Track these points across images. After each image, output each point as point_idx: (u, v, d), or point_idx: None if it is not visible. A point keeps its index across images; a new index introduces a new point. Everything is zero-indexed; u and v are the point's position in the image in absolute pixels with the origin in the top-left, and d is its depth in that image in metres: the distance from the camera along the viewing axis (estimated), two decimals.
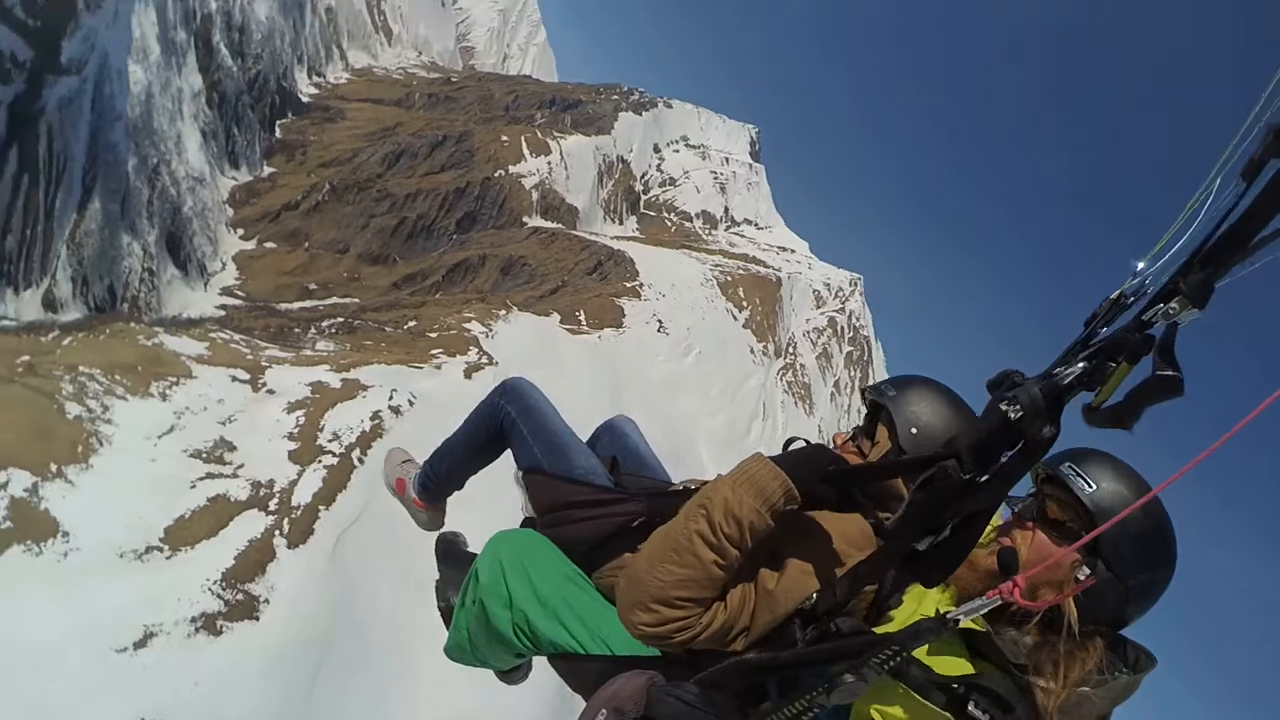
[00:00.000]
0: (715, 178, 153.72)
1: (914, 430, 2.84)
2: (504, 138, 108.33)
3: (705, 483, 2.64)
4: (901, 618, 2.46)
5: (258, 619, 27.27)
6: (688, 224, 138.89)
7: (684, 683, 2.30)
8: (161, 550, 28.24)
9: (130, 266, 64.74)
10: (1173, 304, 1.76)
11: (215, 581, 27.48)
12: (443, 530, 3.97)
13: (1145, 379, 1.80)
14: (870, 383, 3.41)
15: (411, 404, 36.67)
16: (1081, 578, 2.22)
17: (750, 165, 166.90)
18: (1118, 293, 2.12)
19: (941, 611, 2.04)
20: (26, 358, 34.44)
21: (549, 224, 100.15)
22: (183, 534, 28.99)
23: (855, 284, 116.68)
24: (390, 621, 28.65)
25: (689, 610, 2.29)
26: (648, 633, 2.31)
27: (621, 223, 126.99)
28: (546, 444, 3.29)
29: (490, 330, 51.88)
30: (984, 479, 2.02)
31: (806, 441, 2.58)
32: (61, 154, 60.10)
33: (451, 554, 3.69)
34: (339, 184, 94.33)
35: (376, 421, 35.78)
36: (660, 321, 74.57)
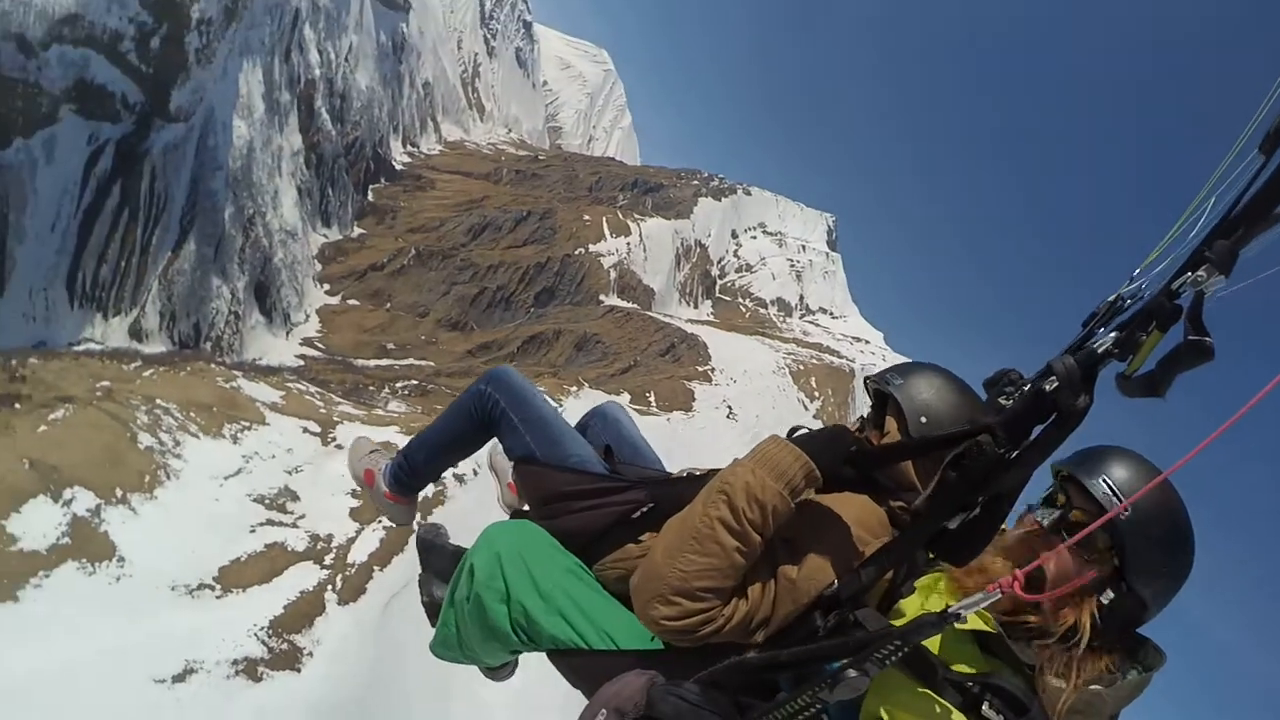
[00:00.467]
0: (791, 265, 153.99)
1: (924, 419, 2.75)
2: (586, 217, 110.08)
3: (710, 470, 2.61)
4: (911, 612, 2.43)
5: (299, 670, 27.18)
6: (762, 310, 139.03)
7: (685, 682, 2.16)
8: (213, 589, 28.56)
9: (217, 308, 66.94)
10: (1200, 272, 1.79)
11: (262, 628, 27.54)
12: (425, 523, 3.70)
13: (1177, 345, 1.82)
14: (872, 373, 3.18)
15: (476, 473, 36.38)
16: (1105, 601, 2.20)
17: (827, 254, 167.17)
18: (1115, 295, 2.25)
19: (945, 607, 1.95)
20: (107, 383, 35.57)
21: (625, 304, 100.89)
22: (236, 576, 29.31)
23: None
24: (430, 691, 28.16)
25: (711, 602, 2.22)
26: (670, 627, 2.23)
27: (697, 306, 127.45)
28: (539, 432, 3.12)
29: (560, 405, 51.80)
30: (1017, 454, 2.02)
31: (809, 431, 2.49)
32: (162, 195, 62.91)
33: (435, 548, 3.43)
34: (424, 250, 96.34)
35: (440, 487, 35.84)
36: (730, 407, 73.95)
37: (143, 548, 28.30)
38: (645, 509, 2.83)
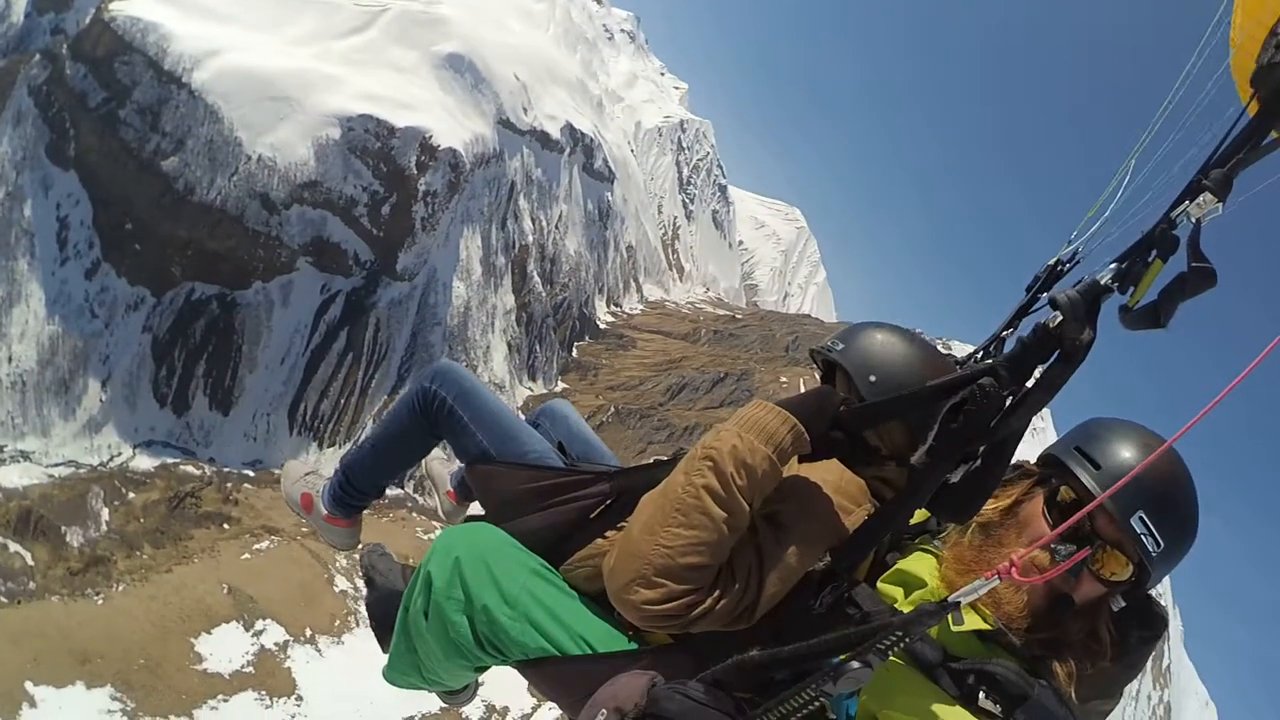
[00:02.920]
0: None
1: (873, 378, 2.57)
2: (783, 379, 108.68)
3: (676, 455, 2.49)
4: (891, 591, 2.38)
5: None
6: None
7: (689, 680, 1.98)
8: None
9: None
10: (1199, 200, 1.83)
11: None
12: (368, 546, 3.38)
13: (1180, 274, 1.86)
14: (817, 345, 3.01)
15: None
16: (1116, 609, 2.22)
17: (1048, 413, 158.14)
18: (1055, 259, 2.32)
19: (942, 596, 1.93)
20: None
21: None
22: None
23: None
24: None
25: (698, 583, 2.07)
26: (652, 612, 2.09)
27: None
28: (492, 430, 2.94)
29: None
30: (1021, 396, 2.01)
31: None
32: (384, 344, 67.14)
33: (381, 569, 3.15)
34: (623, 408, 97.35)
35: None
36: None
37: (322, 690, 28.70)
38: (612, 500, 2.64)
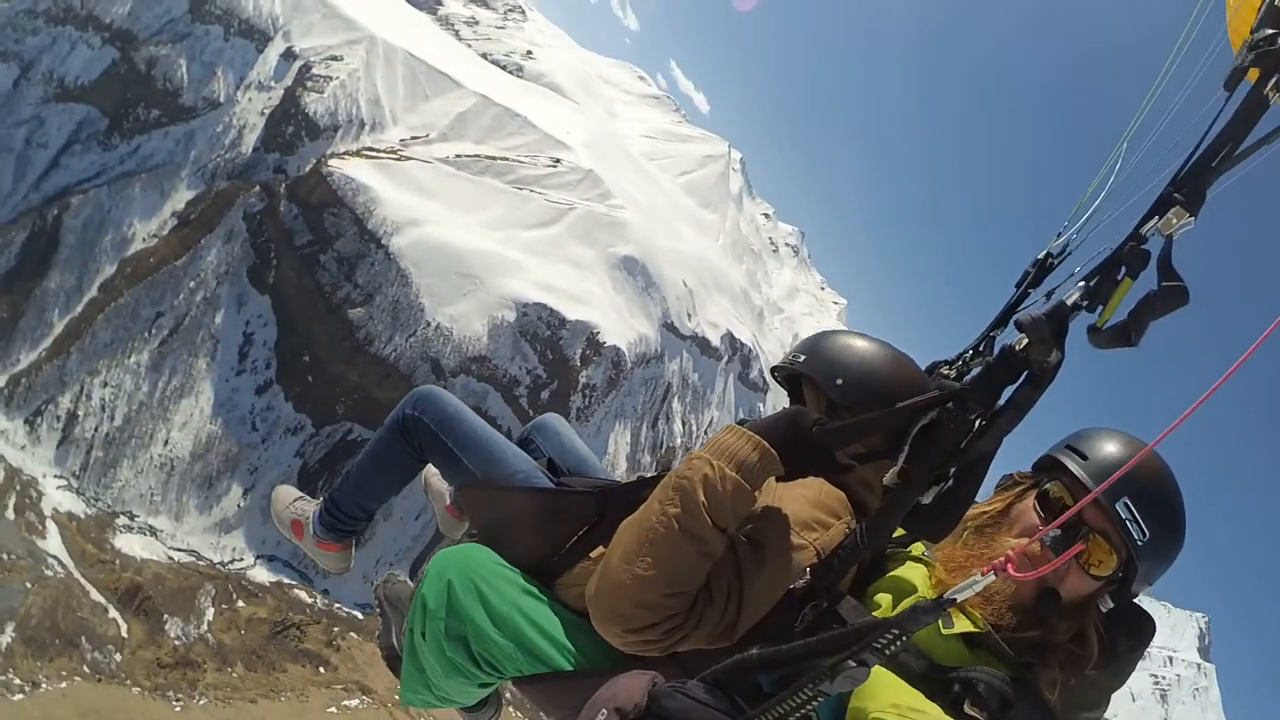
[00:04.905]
0: (1156, 682, 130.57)
1: (839, 381, 2.54)
2: None
3: (663, 471, 2.38)
4: (881, 601, 2.38)
5: None
6: None
7: (689, 680, 1.96)
8: None
9: None
10: (1169, 215, 1.77)
11: None
12: (390, 573, 3.48)
13: (1150, 292, 1.79)
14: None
15: None
16: (1105, 609, 2.18)
17: (1198, 665, 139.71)
18: (1044, 254, 2.26)
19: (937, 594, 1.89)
20: None
21: None
22: None
23: None
24: None
25: (675, 609, 2.03)
26: (631, 640, 2.09)
27: None
28: (477, 453, 2.93)
29: None
30: (991, 418, 1.94)
31: None
32: None
33: (395, 597, 3.24)
34: None
35: None
36: None
37: None
38: (599, 519, 2.63)
